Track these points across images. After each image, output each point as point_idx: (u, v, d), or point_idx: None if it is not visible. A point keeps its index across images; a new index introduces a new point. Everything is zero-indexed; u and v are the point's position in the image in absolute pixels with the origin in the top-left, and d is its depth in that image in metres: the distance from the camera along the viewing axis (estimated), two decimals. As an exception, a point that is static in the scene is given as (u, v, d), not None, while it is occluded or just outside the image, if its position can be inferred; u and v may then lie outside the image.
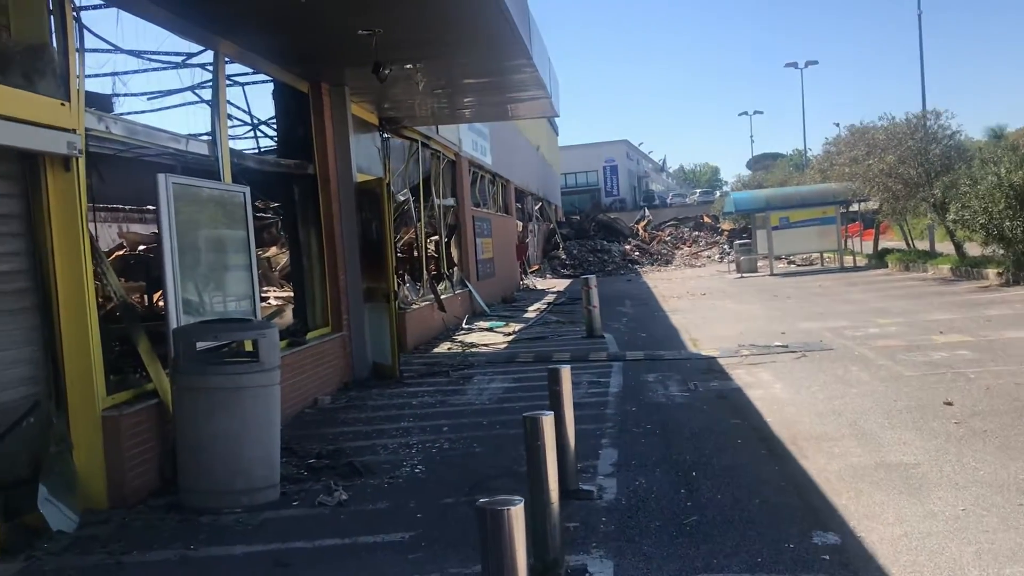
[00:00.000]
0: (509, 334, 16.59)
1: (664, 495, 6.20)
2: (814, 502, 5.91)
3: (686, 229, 48.41)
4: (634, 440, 7.86)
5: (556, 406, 5.94)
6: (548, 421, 4.81)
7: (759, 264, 31.07)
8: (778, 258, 31.32)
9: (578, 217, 49.65)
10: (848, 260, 30.90)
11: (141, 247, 17.17)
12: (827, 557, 4.93)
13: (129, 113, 8.34)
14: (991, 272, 20.37)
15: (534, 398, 9.85)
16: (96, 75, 7.67)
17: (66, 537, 5.75)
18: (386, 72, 9.46)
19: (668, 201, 73.42)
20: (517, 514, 3.18)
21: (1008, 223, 18.68)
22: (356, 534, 5.71)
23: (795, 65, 55.84)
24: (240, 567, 5.22)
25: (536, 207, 40.24)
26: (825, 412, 8.50)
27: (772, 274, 29.42)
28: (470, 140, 21.95)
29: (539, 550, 4.69)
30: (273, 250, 19.18)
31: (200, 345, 6.60)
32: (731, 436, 7.86)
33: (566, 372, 6.13)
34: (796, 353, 12.11)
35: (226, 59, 9.01)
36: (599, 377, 11.13)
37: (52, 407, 6.24)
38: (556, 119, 47.89)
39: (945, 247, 26.81)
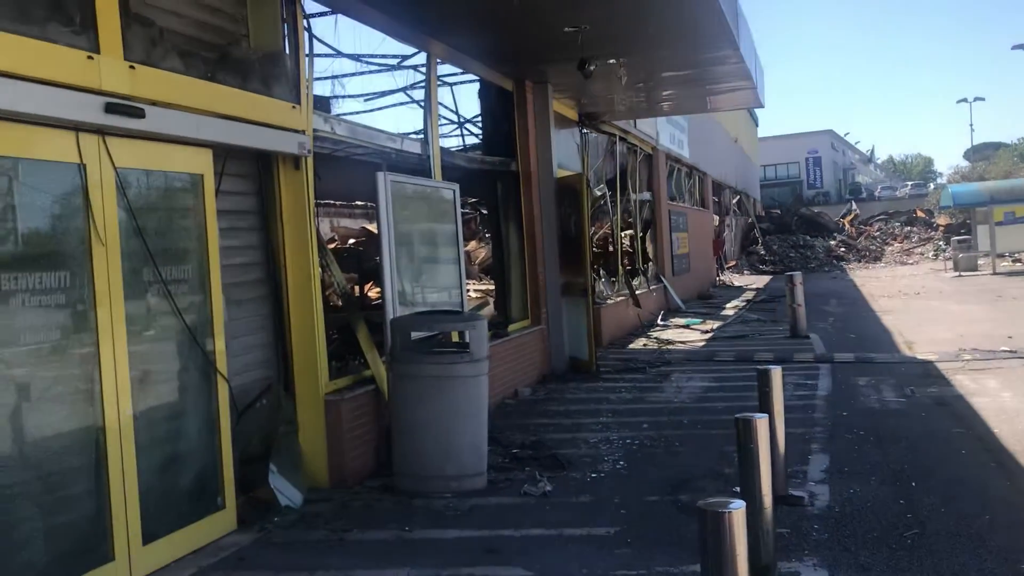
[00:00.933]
0: (706, 332, 16.27)
1: (881, 505, 5.90)
2: (1054, 522, 5.45)
3: (897, 224, 45.62)
4: (846, 446, 7.52)
5: (766, 408, 5.78)
6: (762, 423, 4.69)
7: (979, 262, 28.89)
8: (1001, 256, 28.99)
9: (778, 211, 47.92)
10: (1085, 258, 28.20)
11: (351, 240, 18.17)
12: (1072, 583, 4.54)
13: (348, 114, 8.80)
14: None
15: (736, 399, 9.61)
16: (319, 78, 8.13)
17: (293, 512, 6.16)
18: (591, 68, 9.50)
19: (876, 194, 69.58)
20: (739, 517, 3.13)
21: None
22: (562, 526, 5.78)
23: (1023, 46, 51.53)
24: (453, 550, 5.41)
25: (734, 200, 39.20)
26: (1063, 425, 7.81)
27: (995, 273, 27.28)
28: (668, 133, 21.66)
29: (751, 555, 4.55)
30: (472, 244, 19.77)
31: (413, 335, 6.89)
32: (954, 446, 7.37)
33: (777, 374, 5.96)
34: (1026, 359, 11.19)
35: (437, 60, 9.33)
36: (806, 379, 10.71)
37: (281, 390, 6.70)
38: (756, 110, 46.48)
39: None
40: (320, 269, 7.06)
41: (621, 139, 17.60)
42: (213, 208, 5.84)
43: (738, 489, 6.28)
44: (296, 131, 6.59)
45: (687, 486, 6.54)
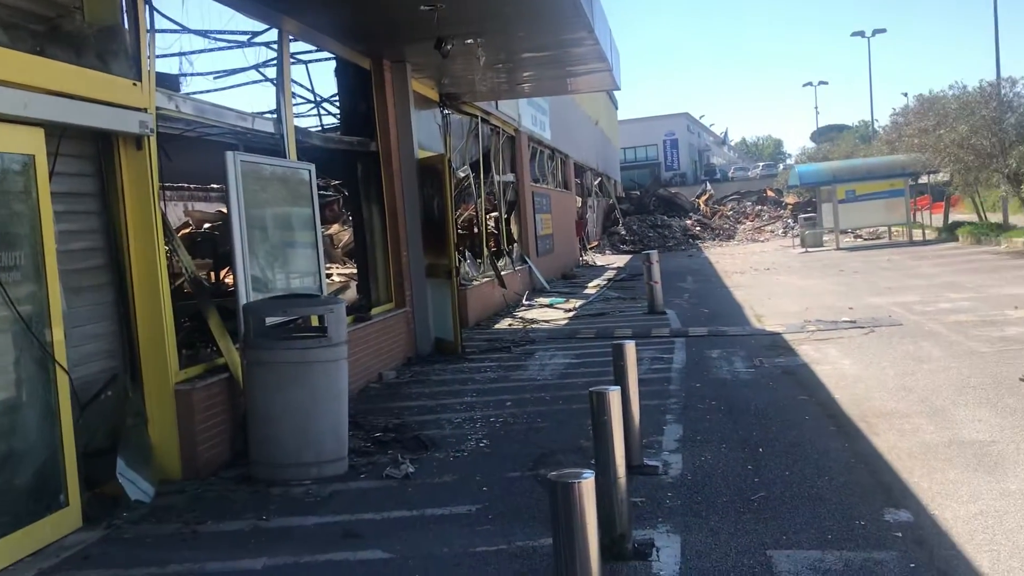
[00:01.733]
0: (570, 310, 16.56)
1: (730, 471, 6.15)
2: (885, 479, 5.81)
3: (749, 203, 47.68)
4: (699, 416, 7.81)
5: (621, 381, 5.92)
6: (615, 396, 4.80)
7: (824, 238, 30.50)
8: (844, 232, 30.69)
9: (638, 192, 49.17)
10: (917, 234, 30.14)
11: (206, 225, 17.52)
12: (899, 534, 4.85)
13: (197, 93, 8.45)
14: (1069, 245, 19.70)
15: (596, 374, 9.83)
16: (164, 55, 7.78)
17: (143, 507, 5.92)
18: (448, 47, 9.45)
19: (730, 175, 72.38)
20: (588, 487, 3.19)
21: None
22: (423, 506, 5.78)
23: (862, 34, 54.35)
24: (311, 537, 5.32)
25: (595, 182, 39.98)
26: (895, 388, 8.34)
27: (838, 248, 28.85)
28: (529, 115, 21.86)
29: (606, 525, 4.68)
30: (335, 227, 19.41)
31: (268, 320, 6.72)
32: (798, 413, 7.75)
33: (631, 347, 6.10)
34: (864, 329, 11.88)
35: (290, 37, 9.09)
36: (662, 353, 11.05)
37: (128, 381, 6.41)
38: (615, 93, 47.47)
39: (1019, 219, 26.01)
40: (167, 254, 6.78)
41: (484, 120, 17.64)
42: (47, 191, 5.51)
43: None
44: (137, 109, 6.29)
45: (547, 460, 6.64)
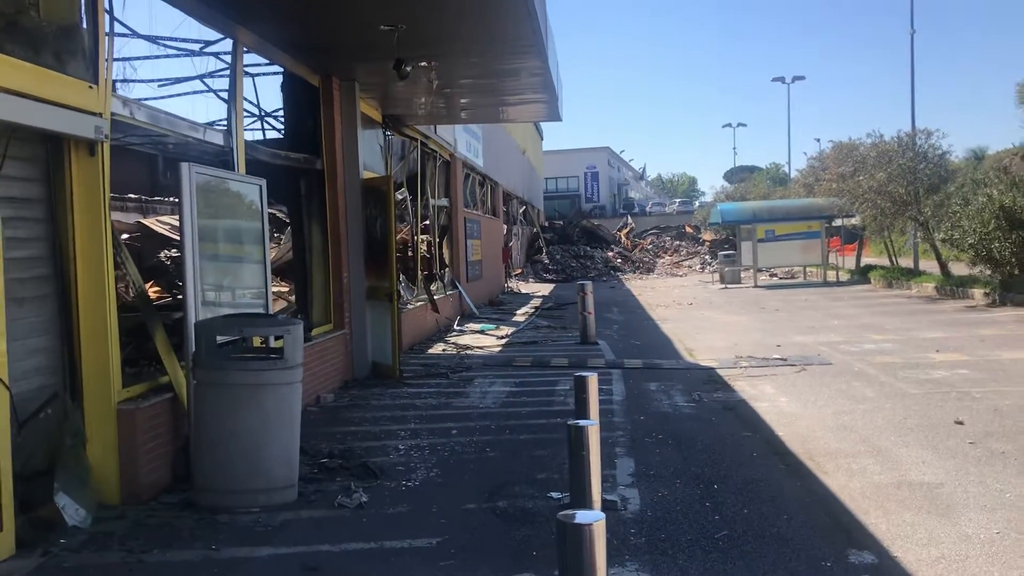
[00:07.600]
0: (501, 337, 16.49)
1: (689, 508, 6.14)
2: (843, 520, 5.87)
3: (668, 238, 48.54)
4: (648, 450, 7.80)
5: (584, 414, 5.85)
6: (594, 431, 4.74)
7: (742, 275, 31.19)
8: (760, 271, 31.47)
9: (561, 222, 49.63)
10: (831, 275, 31.09)
11: (124, 236, 16.87)
12: (867, 576, 4.90)
13: (146, 99, 8.15)
14: (977, 292, 20.55)
15: (540, 403, 9.81)
16: (117, 59, 7.46)
17: (81, 533, 5.58)
18: (408, 69, 9.32)
19: (648, 209, 73.72)
20: (599, 529, 3.09)
21: (997, 244, 18.92)
22: (381, 538, 5.59)
23: (782, 79, 56.30)
24: (267, 570, 5.09)
25: (521, 211, 40.16)
26: (836, 427, 8.48)
27: (756, 286, 29.52)
28: (464, 141, 21.84)
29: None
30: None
31: (218, 339, 6.44)
32: (745, 449, 7.81)
33: (593, 380, 6.03)
34: (796, 367, 12.10)
35: (244, 49, 8.84)
36: (600, 384, 10.92)
37: (68, 399, 6.06)
38: (540, 124, 47.88)
39: (926, 265, 27.07)
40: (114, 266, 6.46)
41: (422, 144, 17.52)
42: (-4, 194, 5.20)
43: (553, 494, 6.41)
44: (93, 113, 6.00)
45: (503, 492, 6.53)
